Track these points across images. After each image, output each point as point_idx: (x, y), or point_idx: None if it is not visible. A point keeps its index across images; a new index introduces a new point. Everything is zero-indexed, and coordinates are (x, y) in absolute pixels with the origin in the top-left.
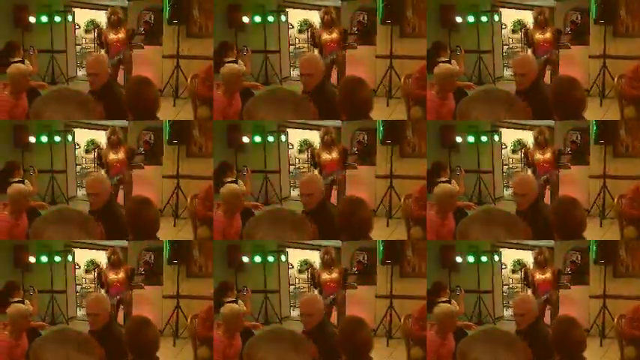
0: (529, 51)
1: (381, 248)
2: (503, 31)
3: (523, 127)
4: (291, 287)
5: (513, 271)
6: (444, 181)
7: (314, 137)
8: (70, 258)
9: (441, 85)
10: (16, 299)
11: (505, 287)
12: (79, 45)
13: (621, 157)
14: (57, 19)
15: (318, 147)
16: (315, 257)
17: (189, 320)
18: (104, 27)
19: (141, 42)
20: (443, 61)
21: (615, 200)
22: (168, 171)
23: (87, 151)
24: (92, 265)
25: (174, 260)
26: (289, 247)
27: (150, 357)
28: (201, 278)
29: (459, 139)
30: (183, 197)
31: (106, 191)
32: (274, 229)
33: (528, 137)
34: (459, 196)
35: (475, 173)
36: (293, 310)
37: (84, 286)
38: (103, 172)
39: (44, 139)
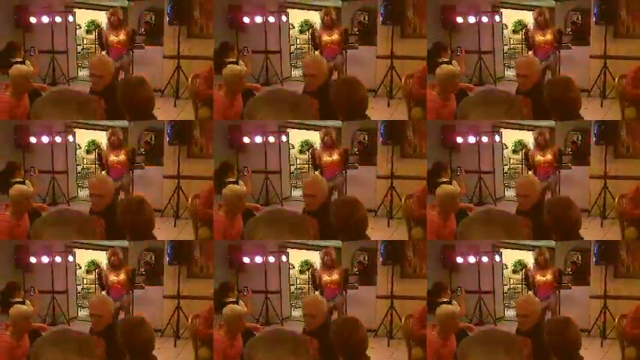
0: (530, 52)
1: (382, 249)
2: (504, 31)
3: (523, 128)
4: (292, 287)
5: (514, 272)
6: (445, 182)
7: (314, 138)
8: (70, 258)
9: (443, 86)
10: (16, 300)
11: (506, 287)
12: (79, 45)
13: (622, 157)
14: (57, 19)
15: (318, 148)
16: (315, 258)
17: (189, 320)
18: (105, 27)
19: (142, 42)
20: (444, 62)
21: (616, 200)
22: (168, 171)
23: (88, 152)
24: (93, 265)
25: (174, 261)
26: (290, 247)
27: (146, 356)
28: (201, 279)
29: (459, 140)
30: (184, 198)
31: (110, 193)
32: (274, 229)
33: (529, 138)
34: (460, 197)
35: (476, 174)
36: (294, 310)
37: (84, 286)
38: (104, 172)
39: (45, 139)
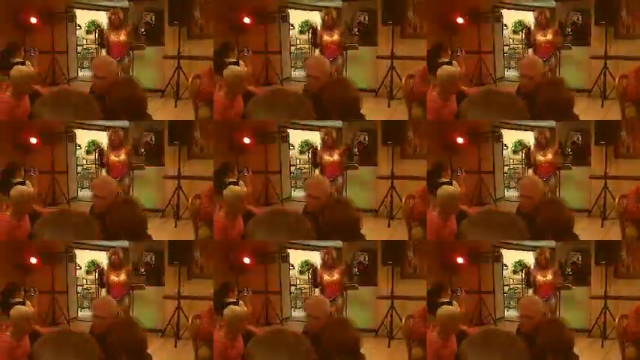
0: (530, 51)
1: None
2: (504, 31)
3: (522, 128)
4: (292, 288)
5: (514, 272)
6: (446, 183)
7: (315, 138)
8: (70, 258)
9: (443, 87)
10: (17, 300)
11: (506, 288)
12: (80, 46)
13: (622, 157)
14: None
15: (319, 147)
16: (315, 258)
17: (190, 321)
18: (105, 28)
19: (142, 43)
20: (445, 63)
21: (616, 201)
22: (169, 172)
23: (88, 152)
24: (93, 265)
25: (175, 261)
26: (290, 247)
27: (140, 356)
28: (202, 279)
29: (460, 140)
30: (184, 198)
31: (112, 194)
32: (274, 230)
33: (529, 138)
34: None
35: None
36: (294, 310)
37: (85, 286)
38: (104, 172)
39: (45, 139)
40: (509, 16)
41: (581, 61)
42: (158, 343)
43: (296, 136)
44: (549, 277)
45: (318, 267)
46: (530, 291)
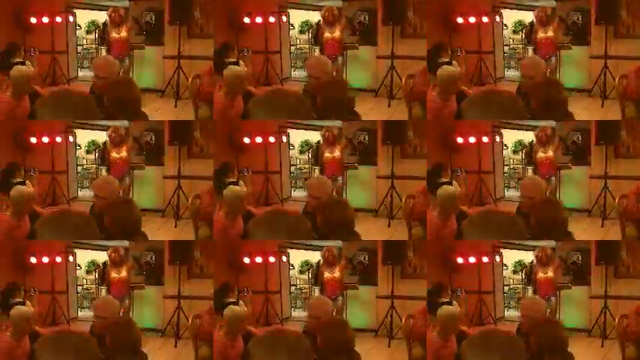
0: (530, 51)
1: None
2: (504, 31)
3: (522, 128)
4: (292, 288)
5: (514, 272)
6: (446, 183)
7: (314, 138)
8: (70, 258)
9: (444, 87)
10: (17, 300)
11: (506, 288)
12: (80, 46)
13: (622, 157)
14: (57, 19)
15: (321, 145)
16: (316, 258)
17: (190, 321)
18: (105, 28)
19: (142, 42)
20: (445, 63)
21: (617, 200)
22: (169, 171)
23: (88, 152)
24: (93, 265)
25: (175, 261)
26: (290, 247)
27: (137, 355)
28: (202, 279)
29: (460, 140)
30: (184, 198)
31: (113, 194)
32: (274, 230)
33: (529, 138)
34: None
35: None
36: (294, 310)
37: (85, 286)
38: (104, 172)
39: (45, 139)
40: (510, 16)
41: (581, 60)
42: (158, 343)
43: (296, 136)
44: (550, 273)
45: (320, 264)
46: (531, 289)
